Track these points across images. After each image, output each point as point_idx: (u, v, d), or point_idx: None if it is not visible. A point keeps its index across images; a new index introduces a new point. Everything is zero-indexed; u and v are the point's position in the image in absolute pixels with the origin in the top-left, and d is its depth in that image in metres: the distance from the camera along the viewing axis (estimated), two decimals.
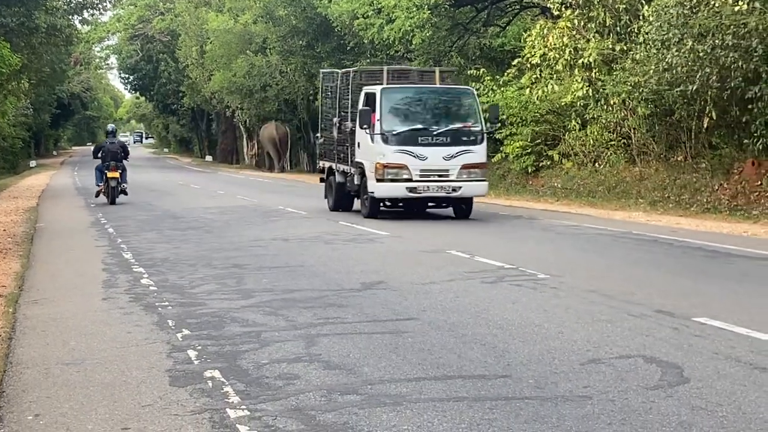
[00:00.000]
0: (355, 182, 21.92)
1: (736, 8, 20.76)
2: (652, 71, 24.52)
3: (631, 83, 25.78)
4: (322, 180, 25.66)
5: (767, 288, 11.25)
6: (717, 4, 21.36)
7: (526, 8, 35.44)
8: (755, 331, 8.44)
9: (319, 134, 26.26)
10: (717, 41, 21.65)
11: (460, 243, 16.11)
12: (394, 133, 20.62)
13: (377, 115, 20.61)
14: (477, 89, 31.75)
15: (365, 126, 20.84)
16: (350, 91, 22.95)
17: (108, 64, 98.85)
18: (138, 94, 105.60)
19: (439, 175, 20.66)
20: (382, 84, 21.70)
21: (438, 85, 22.46)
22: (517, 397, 6.61)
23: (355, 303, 10.45)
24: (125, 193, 29.08)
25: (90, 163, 32.99)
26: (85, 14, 47.33)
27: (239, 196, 31.96)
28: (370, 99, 21.17)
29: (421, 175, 20.54)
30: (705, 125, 24.40)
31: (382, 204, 21.78)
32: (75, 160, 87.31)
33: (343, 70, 25.23)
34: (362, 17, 33.36)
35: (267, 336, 8.89)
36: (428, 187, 20.62)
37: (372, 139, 20.74)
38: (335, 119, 23.80)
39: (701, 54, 22.08)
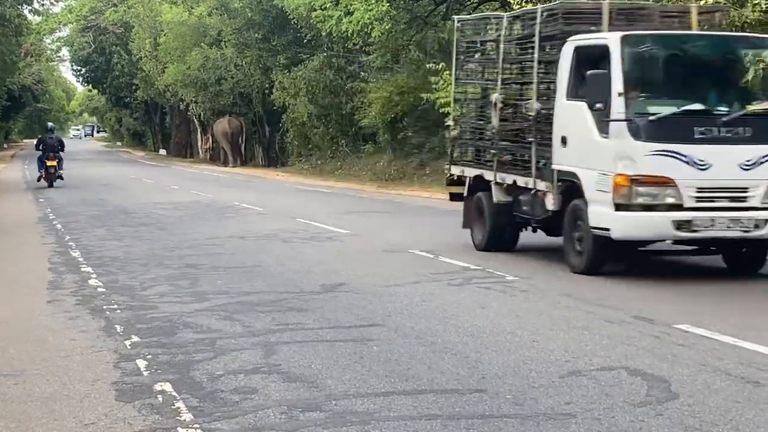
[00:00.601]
0: (549, 206, 12.73)
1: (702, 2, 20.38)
2: None
3: None
4: (454, 197, 15.96)
5: (744, 292, 10.80)
6: None
7: (485, 2, 34.95)
8: (741, 339, 7.97)
9: (450, 122, 16.59)
10: None
11: (423, 242, 15.54)
12: (652, 118, 11.49)
13: (617, 86, 11.42)
14: (435, 84, 31.41)
15: (598, 104, 11.60)
16: (536, 45, 13.28)
17: (60, 56, 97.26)
18: (90, 86, 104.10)
19: (732, 198, 11.55)
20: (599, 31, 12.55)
21: (721, 34, 13.55)
22: (495, 415, 6.08)
23: (315, 307, 9.89)
24: (61, 178, 34.52)
25: None
26: (36, 4, 46.39)
27: (193, 191, 31.22)
28: (592, 57, 12.08)
29: (698, 198, 11.43)
30: None
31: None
32: (26, 153, 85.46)
33: (518, 11, 16.47)
34: (320, 9, 32.73)
35: (222, 343, 8.32)
36: (712, 220, 11.38)
37: (605, 131, 11.61)
38: (495, 96, 13.84)
39: None
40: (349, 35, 32.42)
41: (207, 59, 56.28)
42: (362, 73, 41.51)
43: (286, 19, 44.08)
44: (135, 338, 8.65)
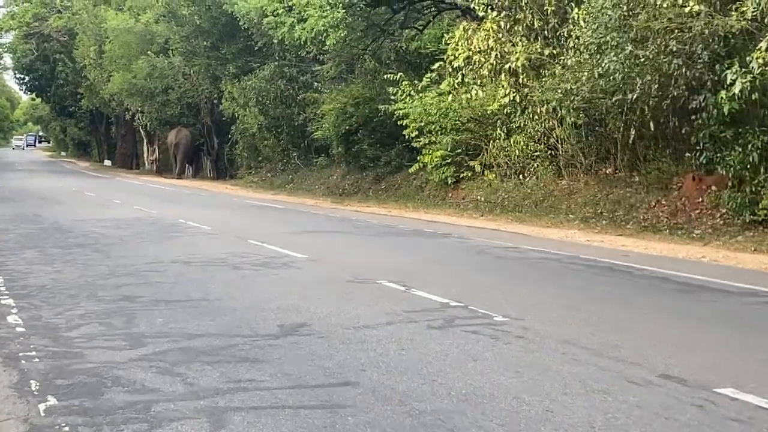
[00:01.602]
0: None
1: (686, 9, 19.05)
2: (585, 78, 22.81)
3: (562, 90, 24.06)
4: None
5: None
6: (665, 5, 19.59)
7: (445, 10, 33.57)
8: None
9: None
10: (659, 46, 19.99)
11: (390, 270, 13.90)
12: None
13: None
14: (393, 95, 29.96)
15: None
16: None
17: (2, 63, 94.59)
18: (34, 95, 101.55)
19: None
20: None
21: None
22: None
23: (273, 356, 8.28)
24: None
25: None
26: None
27: (137, 206, 29.41)
28: None
29: None
30: (634, 136, 22.82)
31: None
32: None
33: None
34: (272, 15, 31.06)
35: (159, 410, 6.70)
36: None
37: None
38: None
39: (642, 60, 20.40)
40: (302, 43, 30.76)
41: (154, 68, 54.75)
42: (315, 84, 39.96)
43: (236, 27, 42.46)
44: (52, 400, 7.02)
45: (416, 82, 30.05)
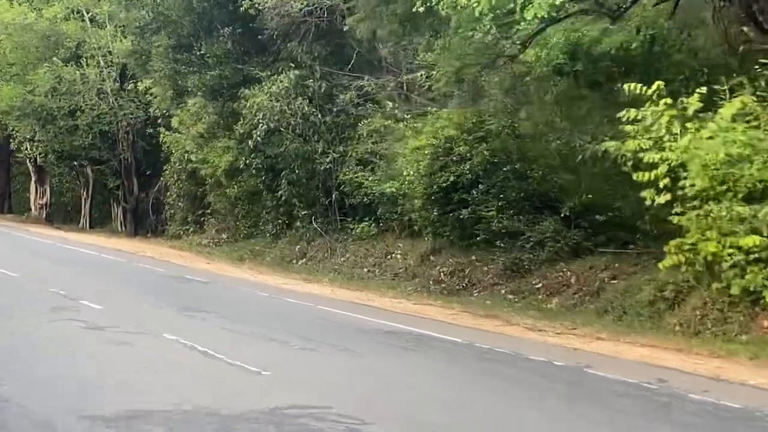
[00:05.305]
0: None
1: None
2: None
3: None
4: None
5: None
6: None
7: None
8: None
9: None
10: None
11: None
12: None
13: None
14: (631, 120, 15.80)
15: None
16: None
17: None
18: None
19: None
20: None
21: None
22: None
23: None
24: None
25: None
26: None
27: (155, 325, 13.88)
28: None
29: None
30: None
31: None
32: None
33: None
34: None
35: None
36: None
37: None
38: None
39: None
40: (479, 16, 15.80)
41: (60, 80, 41.24)
42: (372, 105, 25.31)
43: (228, 15, 27.97)
44: None
45: (684, 101, 15.69)
